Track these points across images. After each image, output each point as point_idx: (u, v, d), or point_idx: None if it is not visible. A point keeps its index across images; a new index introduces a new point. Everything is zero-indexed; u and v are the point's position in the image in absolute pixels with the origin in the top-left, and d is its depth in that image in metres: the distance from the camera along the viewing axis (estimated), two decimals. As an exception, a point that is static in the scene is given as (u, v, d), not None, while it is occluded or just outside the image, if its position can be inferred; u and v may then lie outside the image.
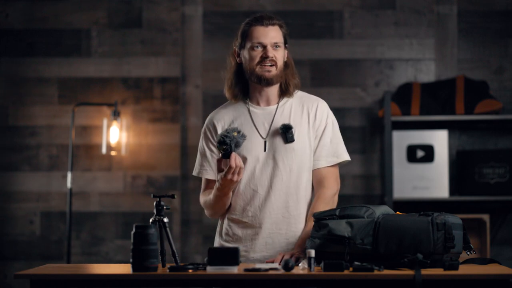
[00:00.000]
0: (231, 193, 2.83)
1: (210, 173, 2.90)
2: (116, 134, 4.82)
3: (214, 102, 4.69)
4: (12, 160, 4.94)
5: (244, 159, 2.82)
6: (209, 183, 2.92)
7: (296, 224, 2.83)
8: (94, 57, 4.95)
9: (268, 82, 2.83)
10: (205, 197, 2.90)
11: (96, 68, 4.95)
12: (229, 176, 2.70)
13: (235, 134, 2.68)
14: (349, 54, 4.91)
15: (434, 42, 4.90)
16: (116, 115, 4.81)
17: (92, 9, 4.97)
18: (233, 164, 2.68)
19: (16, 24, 4.98)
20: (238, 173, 2.69)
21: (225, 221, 2.90)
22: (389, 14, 4.92)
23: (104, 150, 4.81)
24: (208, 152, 2.90)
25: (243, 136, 2.71)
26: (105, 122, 4.82)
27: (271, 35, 2.81)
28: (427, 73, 4.89)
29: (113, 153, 4.86)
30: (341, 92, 4.89)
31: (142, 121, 4.93)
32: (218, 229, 2.94)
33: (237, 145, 2.69)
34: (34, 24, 4.97)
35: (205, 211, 2.94)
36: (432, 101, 4.71)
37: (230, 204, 2.87)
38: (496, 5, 4.90)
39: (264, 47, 2.81)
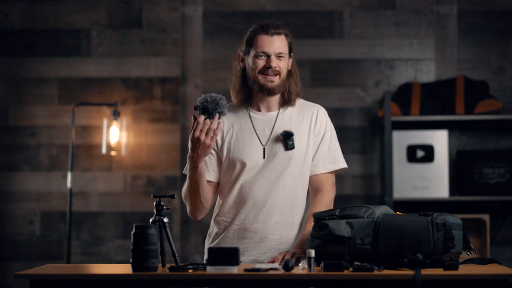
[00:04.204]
0: (204, 179, 2.79)
1: None
2: (116, 134, 4.82)
3: (214, 102, 4.69)
4: (12, 160, 4.94)
5: (243, 165, 2.83)
6: None
7: (288, 230, 2.84)
8: (94, 57, 4.95)
9: (270, 92, 2.84)
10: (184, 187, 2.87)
11: (96, 68, 4.95)
12: (197, 133, 2.67)
13: (209, 99, 2.68)
14: (349, 54, 4.90)
15: (434, 42, 4.90)
16: (116, 115, 4.80)
17: (92, 9, 4.97)
18: (200, 120, 2.67)
19: (16, 24, 4.97)
20: (207, 134, 2.66)
21: (215, 223, 2.90)
22: (389, 14, 4.92)
23: (104, 150, 4.81)
24: None
25: (217, 105, 2.67)
26: (105, 122, 4.82)
27: (275, 45, 2.80)
28: (427, 73, 4.89)
29: (113, 153, 4.85)
30: (341, 92, 4.89)
31: (142, 121, 4.93)
32: (209, 231, 2.93)
33: (205, 110, 2.68)
34: (34, 24, 4.97)
35: (187, 208, 2.90)
36: (432, 101, 4.71)
37: (222, 205, 2.87)
38: (496, 5, 4.90)
39: (268, 56, 2.80)
